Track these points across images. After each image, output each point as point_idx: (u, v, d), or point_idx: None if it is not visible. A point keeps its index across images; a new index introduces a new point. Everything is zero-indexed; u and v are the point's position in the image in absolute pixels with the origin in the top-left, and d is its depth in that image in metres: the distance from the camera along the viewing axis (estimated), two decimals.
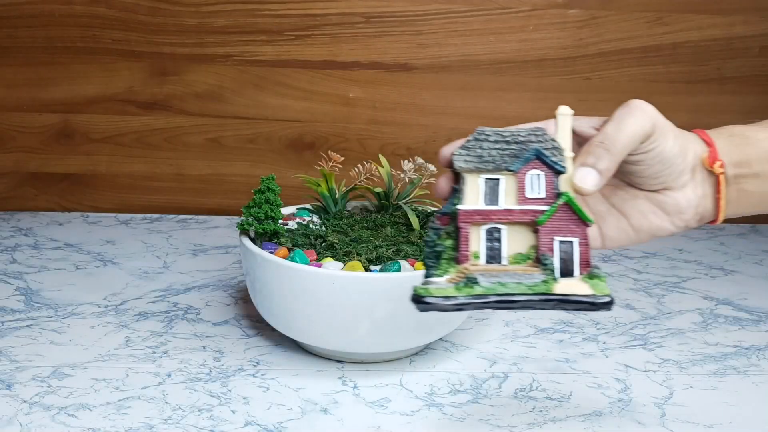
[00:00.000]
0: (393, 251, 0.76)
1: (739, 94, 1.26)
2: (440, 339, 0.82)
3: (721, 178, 0.55)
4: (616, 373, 0.76)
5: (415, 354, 0.79)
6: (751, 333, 0.88)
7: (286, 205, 0.83)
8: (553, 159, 0.50)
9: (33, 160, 1.22)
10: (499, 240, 0.50)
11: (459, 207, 0.49)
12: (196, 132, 1.22)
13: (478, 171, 0.50)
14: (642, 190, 0.55)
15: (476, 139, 0.51)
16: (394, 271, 0.70)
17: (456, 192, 0.50)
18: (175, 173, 1.24)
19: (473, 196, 0.50)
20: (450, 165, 0.50)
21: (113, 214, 1.23)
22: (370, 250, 0.76)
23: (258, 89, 1.20)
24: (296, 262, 0.71)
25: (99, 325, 0.83)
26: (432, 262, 0.49)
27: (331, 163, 0.85)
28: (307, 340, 0.75)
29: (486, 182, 0.50)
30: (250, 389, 0.71)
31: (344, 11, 1.17)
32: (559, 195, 0.49)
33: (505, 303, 0.47)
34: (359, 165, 0.86)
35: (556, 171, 0.50)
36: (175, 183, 1.24)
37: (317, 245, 0.78)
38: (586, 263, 0.49)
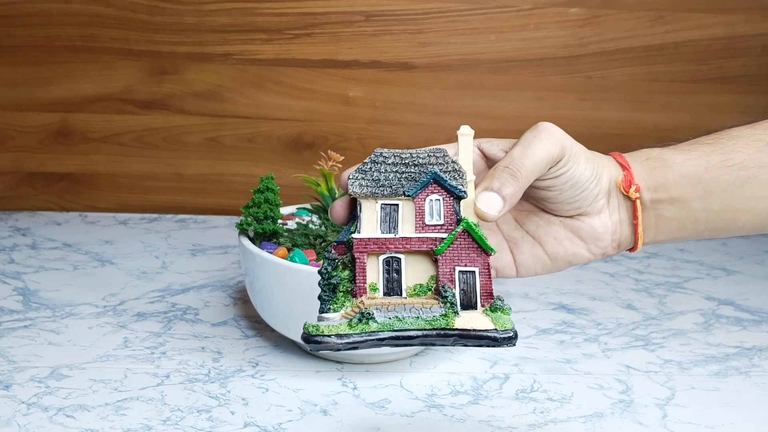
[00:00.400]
0: None
1: (741, 93, 1.26)
2: None
3: (638, 203, 0.53)
4: (618, 374, 0.76)
5: (416, 355, 0.79)
6: (752, 333, 0.87)
7: (286, 204, 0.83)
8: (452, 183, 0.47)
9: (31, 159, 1.21)
10: (398, 271, 0.47)
11: (354, 236, 0.46)
12: (195, 131, 1.21)
13: (374, 196, 0.47)
14: (557, 215, 0.53)
15: (374, 162, 0.48)
16: None
17: (354, 219, 0.47)
18: (173, 173, 1.23)
19: (370, 223, 0.47)
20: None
21: (112, 214, 1.23)
22: None
23: (257, 88, 1.20)
24: (295, 262, 0.71)
25: (97, 325, 0.82)
26: (327, 295, 0.46)
27: (330, 163, 0.85)
28: None
29: (383, 208, 0.47)
30: (250, 390, 0.70)
31: (344, 10, 1.17)
32: (459, 221, 0.46)
33: (402, 339, 0.44)
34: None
35: (455, 196, 0.47)
36: (174, 183, 1.24)
37: (317, 245, 0.77)
38: (488, 294, 0.46)
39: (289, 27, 1.17)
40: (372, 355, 0.75)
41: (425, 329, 0.45)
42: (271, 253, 0.72)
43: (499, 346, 0.44)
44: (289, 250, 0.75)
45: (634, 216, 0.53)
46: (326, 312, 0.46)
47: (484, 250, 0.46)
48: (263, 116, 1.21)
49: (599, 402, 0.71)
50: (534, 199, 0.53)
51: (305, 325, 0.44)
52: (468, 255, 0.47)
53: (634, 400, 0.71)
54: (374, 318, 0.45)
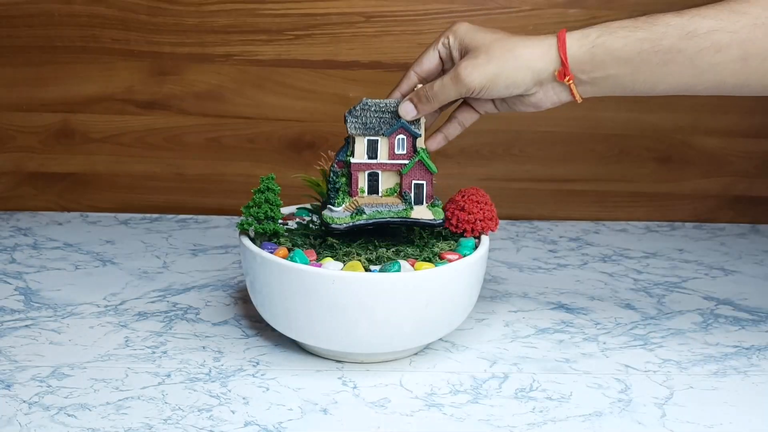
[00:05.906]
0: (393, 251, 0.76)
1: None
2: (440, 339, 0.82)
3: (572, 85, 0.71)
4: (617, 374, 0.76)
5: (415, 354, 0.79)
6: (751, 333, 0.88)
7: (286, 205, 0.83)
8: (413, 128, 0.75)
9: (32, 159, 1.22)
10: (376, 181, 0.75)
11: (352, 161, 0.74)
12: (195, 132, 1.22)
13: (363, 134, 0.74)
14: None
15: (362, 109, 0.75)
16: (394, 271, 0.70)
17: (347, 144, 0.76)
18: (174, 173, 1.24)
19: (360, 151, 0.75)
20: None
21: (113, 214, 1.23)
22: (370, 250, 0.76)
23: (258, 89, 1.20)
24: (296, 262, 0.71)
25: (98, 325, 0.83)
26: (333, 194, 0.75)
27: (330, 163, 0.85)
28: (307, 340, 0.74)
29: (368, 142, 0.75)
30: (250, 389, 0.71)
31: (344, 11, 1.17)
32: (415, 153, 0.75)
33: (382, 224, 0.74)
34: None
35: (414, 135, 0.75)
36: (175, 183, 1.24)
37: (317, 245, 0.78)
38: (429, 196, 0.76)
39: (290, 28, 1.18)
40: (372, 354, 0.75)
41: (395, 218, 0.74)
42: (271, 253, 0.73)
43: (435, 228, 0.77)
44: (289, 250, 0.75)
45: (570, 92, 0.73)
46: (334, 205, 0.74)
47: (430, 171, 0.75)
48: (264, 117, 1.22)
49: (598, 401, 0.71)
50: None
51: (324, 215, 0.74)
52: (420, 173, 0.75)
53: (633, 400, 0.71)
54: (365, 211, 0.74)
